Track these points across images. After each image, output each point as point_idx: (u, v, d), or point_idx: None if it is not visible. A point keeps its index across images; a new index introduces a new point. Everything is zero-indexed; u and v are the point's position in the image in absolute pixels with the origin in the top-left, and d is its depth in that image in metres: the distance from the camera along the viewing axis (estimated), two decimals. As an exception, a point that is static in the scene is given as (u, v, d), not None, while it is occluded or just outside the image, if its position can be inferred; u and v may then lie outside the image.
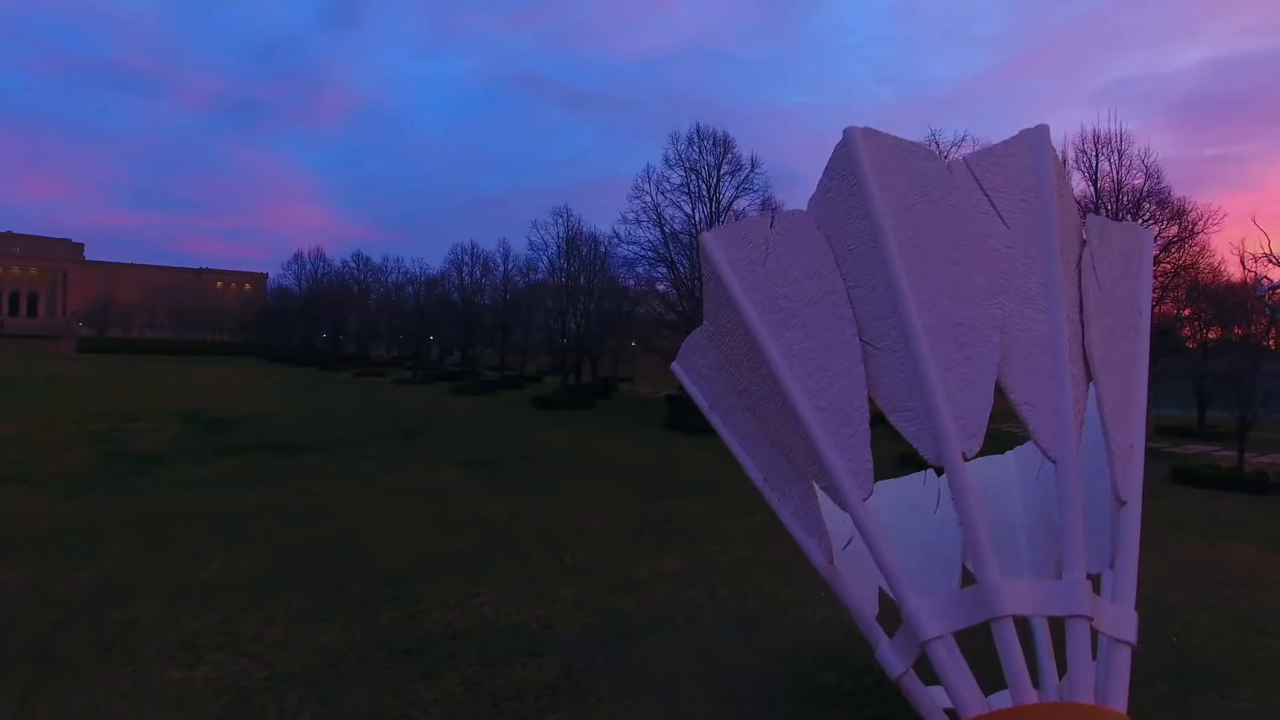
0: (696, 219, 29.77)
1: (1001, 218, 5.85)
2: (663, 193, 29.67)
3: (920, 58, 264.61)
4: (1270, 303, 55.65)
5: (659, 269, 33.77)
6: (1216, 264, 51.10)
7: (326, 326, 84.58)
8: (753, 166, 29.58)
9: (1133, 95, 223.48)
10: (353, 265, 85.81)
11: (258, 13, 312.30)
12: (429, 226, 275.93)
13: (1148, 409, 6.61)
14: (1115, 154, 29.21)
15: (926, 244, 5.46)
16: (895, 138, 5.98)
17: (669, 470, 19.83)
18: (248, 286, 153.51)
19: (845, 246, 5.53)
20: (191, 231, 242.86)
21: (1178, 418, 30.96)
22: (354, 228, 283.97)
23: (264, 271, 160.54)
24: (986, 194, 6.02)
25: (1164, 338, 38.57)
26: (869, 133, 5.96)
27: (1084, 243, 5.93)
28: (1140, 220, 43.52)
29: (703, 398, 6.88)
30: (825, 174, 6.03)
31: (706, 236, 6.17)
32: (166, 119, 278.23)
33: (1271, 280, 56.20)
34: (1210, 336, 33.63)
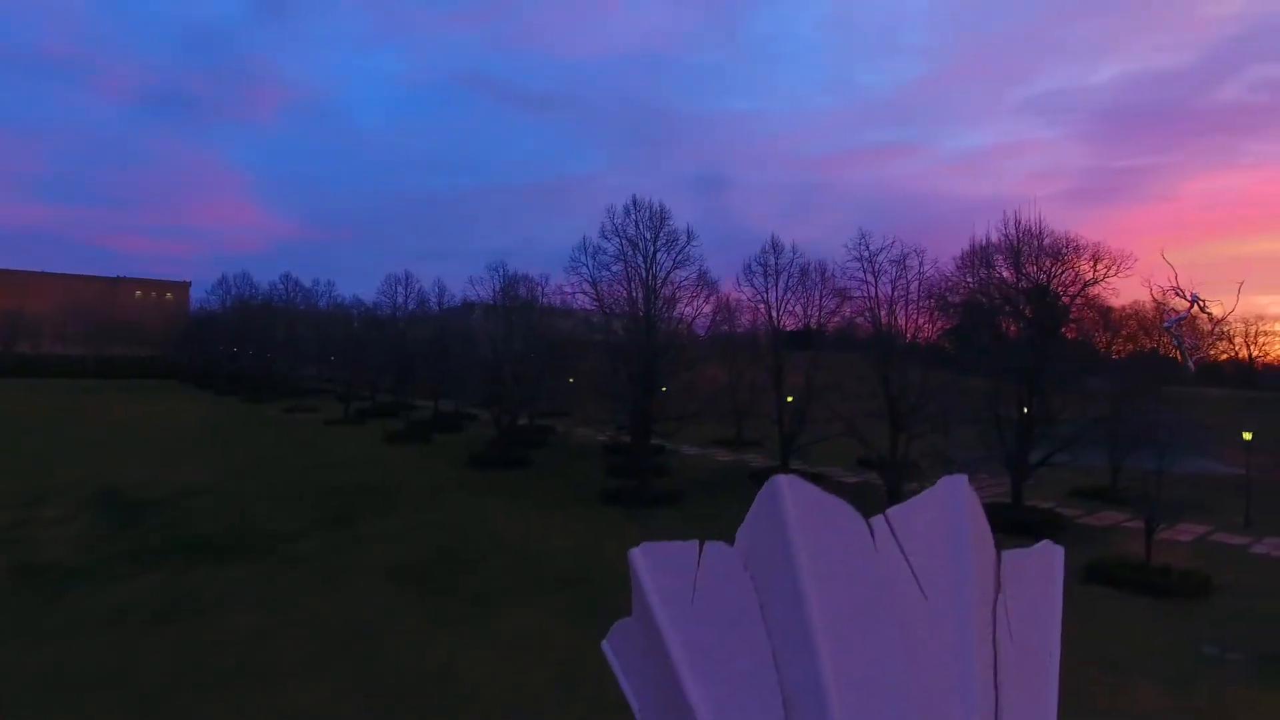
0: (633, 292, 29.93)
1: (919, 581, 6.12)
2: (600, 265, 29.77)
3: (857, 66, 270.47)
4: (1177, 334, 58.74)
5: (595, 335, 33.58)
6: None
7: (253, 351, 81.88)
8: (689, 239, 29.89)
9: (1057, 106, 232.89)
10: (281, 288, 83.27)
11: (188, 0, 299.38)
12: (370, 226, 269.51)
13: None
14: (1035, 241, 30.31)
15: (847, 609, 5.64)
16: (820, 491, 6.11)
17: (612, 577, 19.79)
18: (169, 296, 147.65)
19: (770, 598, 5.66)
20: (114, 229, 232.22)
21: (1092, 471, 32.17)
22: (289, 226, 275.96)
23: (187, 280, 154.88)
24: (906, 556, 6.29)
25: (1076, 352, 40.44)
26: (794, 483, 6.06)
27: (999, 587, 6.23)
28: (1062, 262, 45.51)
29: (633, 698, 6.93)
30: (752, 514, 6.13)
31: (635, 554, 6.20)
32: (88, 110, 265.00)
33: (1179, 312, 59.33)
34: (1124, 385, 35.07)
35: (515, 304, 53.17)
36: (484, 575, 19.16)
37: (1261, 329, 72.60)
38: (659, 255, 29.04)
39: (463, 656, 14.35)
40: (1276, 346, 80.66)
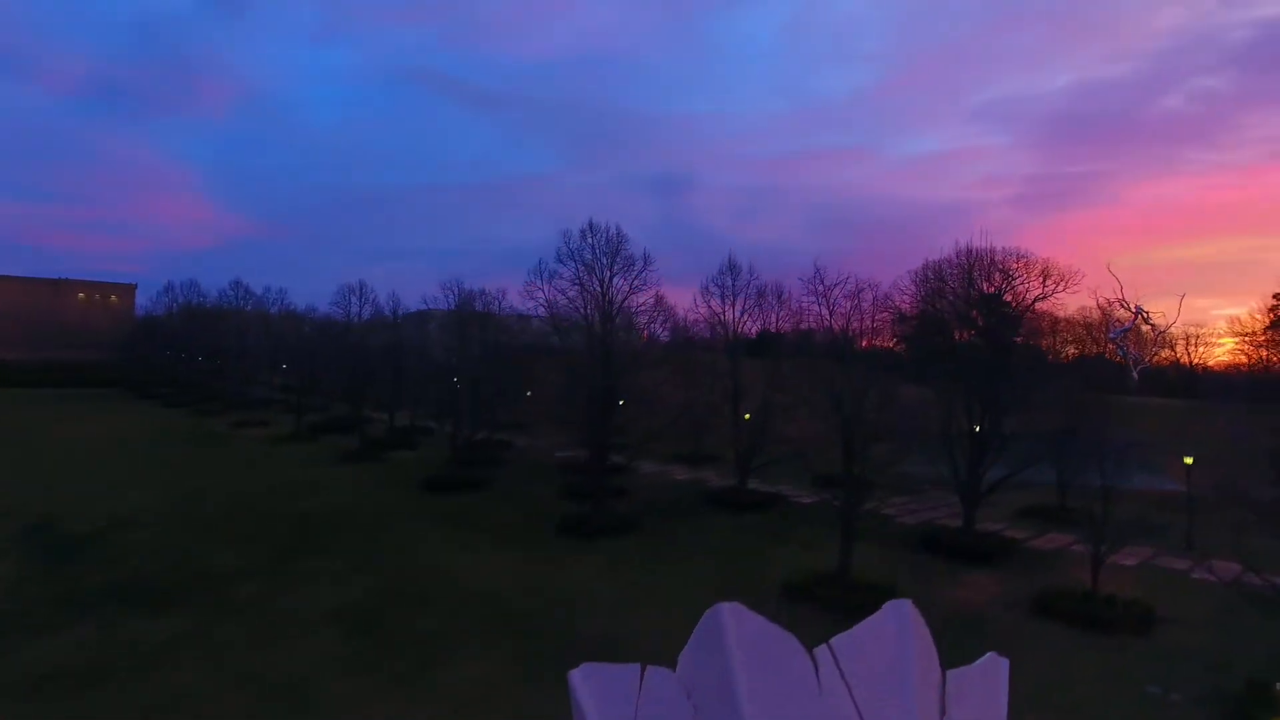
0: (589, 315, 29.65)
1: (860, 713, 5.97)
2: (556, 290, 29.45)
3: (811, 71, 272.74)
4: (1122, 344, 60.46)
5: (552, 350, 33.33)
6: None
7: (202, 359, 79.70)
8: (646, 263, 29.72)
9: (1007, 114, 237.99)
10: (231, 294, 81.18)
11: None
12: (322, 224, 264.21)
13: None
14: (987, 257, 30.80)
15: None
16: (763, 621, 5.99)
17: (565, 622, 19.52)
18: (114, 299, 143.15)
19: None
20: (55, 226, 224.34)
21: (1040, 488, 32.61)
22: (239, 223, 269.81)
23: (132, 282, 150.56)
24: (850, 691, 6.13)
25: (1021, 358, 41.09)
26: (736, 611, 5.92)
27: (944, 711, 6.11)
28: (1011, 278, 46.70)
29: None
30: (694, 639, 5.96)
31: (574, 677, 5.99)
32: (26, 102, 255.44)
33: (1124, 323, 61.05)
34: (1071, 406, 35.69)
35: (471, 318, 52.60)
36: (434, 619, 18.72)
37: (1202, 338, 74.84)
38: (615, 280, 28.81)
39: (408, 717, 13.96)
40: (1216, 352, 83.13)
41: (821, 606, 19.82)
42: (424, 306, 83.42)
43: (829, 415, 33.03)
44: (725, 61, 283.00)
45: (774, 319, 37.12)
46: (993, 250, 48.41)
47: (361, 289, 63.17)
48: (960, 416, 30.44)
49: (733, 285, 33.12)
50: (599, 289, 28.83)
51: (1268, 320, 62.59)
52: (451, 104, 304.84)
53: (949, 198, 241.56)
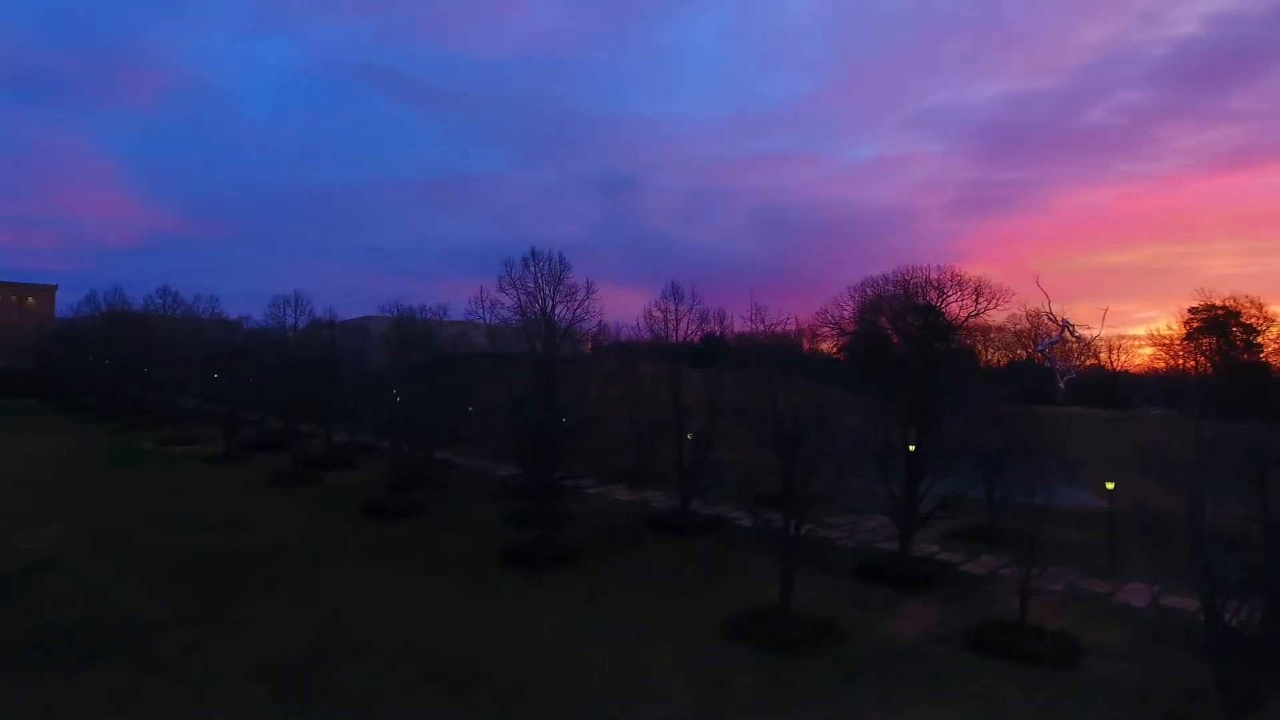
0: (531, 344, 29.40)
1: None
2: (497, 316, 29.10)
3: (753, 77, 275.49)
4: (1049, 356, 62.79)
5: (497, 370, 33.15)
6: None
7: (128, 368, 76.36)
8: (589, 291, 29.62)
9: (941, 122, 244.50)
10: (159, 301, 77.91)
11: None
12: (257, 221, 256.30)
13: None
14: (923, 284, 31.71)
15: None
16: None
17: (508, 673, 19.27)
18: (31, 301, 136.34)
19: None
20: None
21: (972, 505, 33.35)
22: (169, 219, 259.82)
23: (52, 284, 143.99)
24: None
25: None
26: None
27: None
28: (944, 295, 47.99)
29: None
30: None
31: None
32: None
33: (1051, 336, 63.39)
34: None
35: (412, 334, 51.72)
36: (370, 671, 18.27)
37: (1124, 346, 78.13)
38: (558, 309, 28.62)
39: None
40: (1136, 360, 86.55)
41: (761, 645, 20.02)
42: (365, 314, 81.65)
43: (769, 434, 33.47)
44: (669, 65, 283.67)
45: (717, 328, 37.49)
46: (928, 268, 50.17)
47: (297, 301, 61.26)
48: (896, 431, 31.08)
49: (675, 310, 33.21)
50: (540, 313, 28.58)
51: (1184, 332, 65.88)
52: (392, 101, 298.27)
53: (888, 202, 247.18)
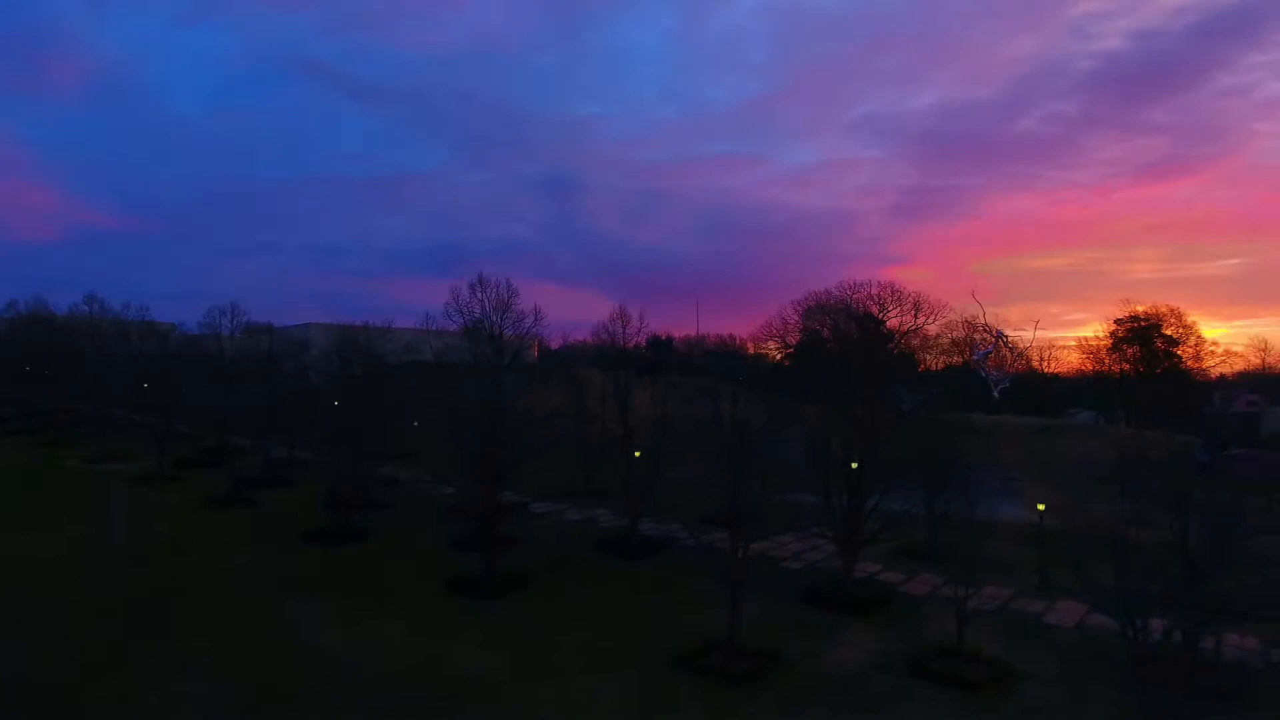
0: (475, 355, 29.12)
1: None
2: (444, 341, 28.71)
3: (698, 79, 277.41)
4: (983, 366, 64.85)
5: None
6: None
7: (51, 378, 72.88)
8: (536, 317, 29.49)
9: (881, 128, 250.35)
10: (85, 309, 74.61)
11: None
12: (190, 216, 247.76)
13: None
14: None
15: None
16: None
17: (454, 716, 19.05)
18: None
19: None
20: None
21: (910, 519, 33.93)
22: (94, 213, 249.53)
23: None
24: None
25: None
26: None
27: None
28: (885, 310, 49.23)
29: None
30: None
31: None
32: None
33: (986, 347, 65.49)
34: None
35: (354, 349, 50.69)
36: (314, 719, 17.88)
37: (1054, 353, 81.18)
38: (505, 333, 28.40)
39: None
40: (1065, 362, 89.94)
41: (710, 677, 20.22)
42: (306, 320, 79.64)
43: (716, 451, 33.75)
44: (615, 66, 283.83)
45: (664, 332, 37.80)
46: (869, 284, 51.43)
47: (234, 310, 59.45)
48: (840, 444, 31.63)
49: (624, 332, 33.31)
50: (488, 338, 28.33)
51: (1109, 343, 69.09)
52: (333, 95, 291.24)
53: (831, 206, 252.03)
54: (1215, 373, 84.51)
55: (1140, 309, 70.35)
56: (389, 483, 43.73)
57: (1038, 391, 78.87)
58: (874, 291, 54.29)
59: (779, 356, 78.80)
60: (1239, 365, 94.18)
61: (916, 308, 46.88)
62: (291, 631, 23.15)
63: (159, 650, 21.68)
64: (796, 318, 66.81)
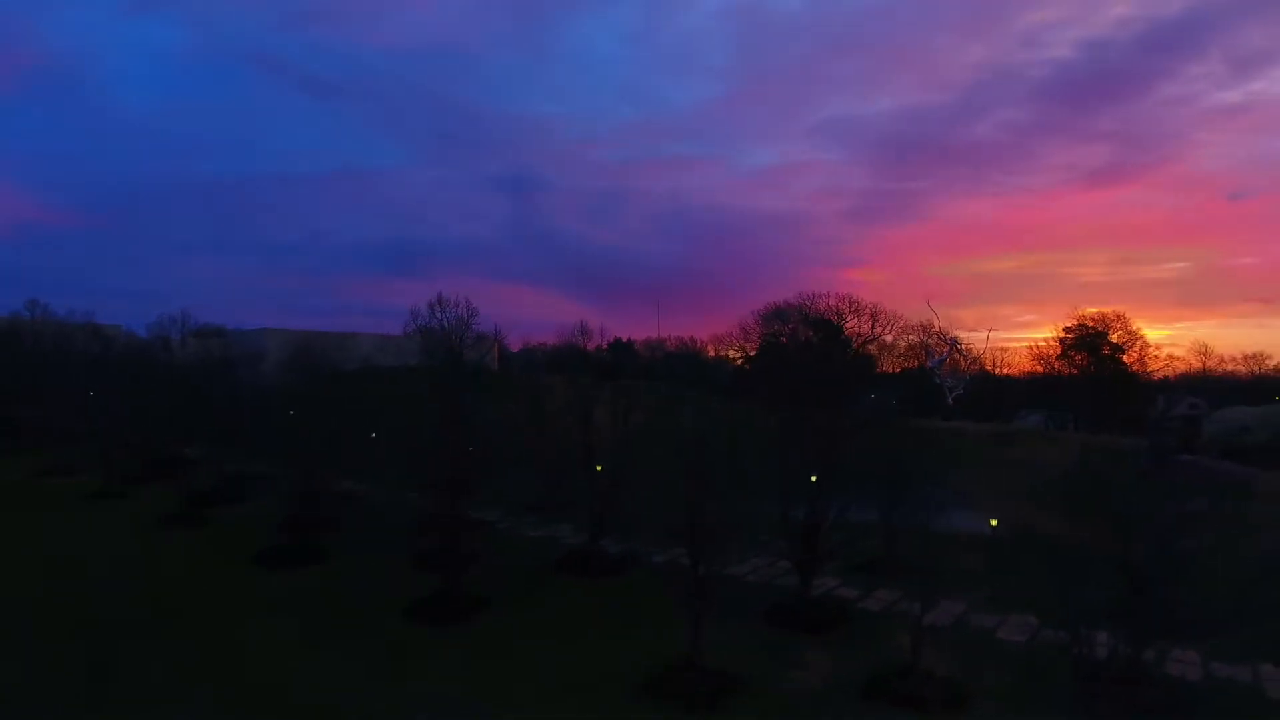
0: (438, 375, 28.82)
1: None
2: (404, 350, 28.36)
3: (657, 80, 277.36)
4: (939, 373, 66.20)
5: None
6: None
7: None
8: (496, 336, 29.26)
9: (839, 132, 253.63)
10: (27, 315, 72.17)
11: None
12: (138, 212, 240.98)
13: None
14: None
15: None
16: None
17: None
18: None
19: None
20: None
21: (867, 529, 34.31)
22: (36, 208, 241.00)
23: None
24: None
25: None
26: None
27: None
28: (844, 318, 49.80)
29: None
30: None
31: None
32: None
33: (940, 354, 66.87)
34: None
35: (313, 357, 49.85)
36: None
37: (1006, 359, 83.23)
38: (465, 352, 28.14)
39: None
40: (1017, 365, 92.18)
41: (672, 703, 20.37)
42: (261, 325, 77.97)
43: (677, 462, 33.90)
44: (575, 66, 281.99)
45: (625, 334, 37.90)
46: (828, 295, 52.19)
47: (185, 318, 58.00)
48: (797, 453, 31.96)
49: (584, 343, 33.17)
50: (448, 360, 28.09)
51: (1059, 349, 71.24)
52: (288, 90, 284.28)
53: (789, 208, 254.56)
54: (1159, 375, 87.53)
55: (1090, 311, 72.78)
56: (347, 497, 43.03)
57: (991, 396, 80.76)
58: (832, 302, 55.20)
59: (740, 360, 79.65)
60: (1181, 367, 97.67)
61: (874, 318, 47.66)
62: (247, 661, 22.70)
63: (108, 679, 21.12)
64: (756, 325, 67.61)
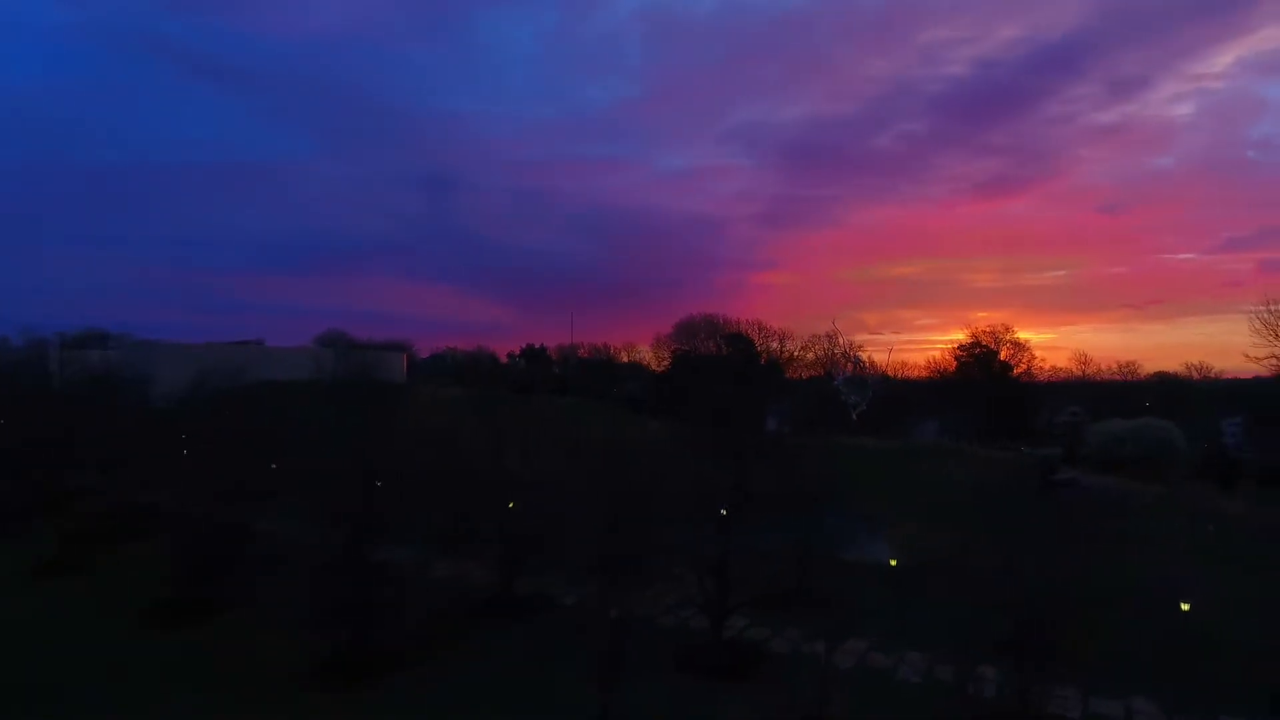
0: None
1: None
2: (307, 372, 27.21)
3: (576, 79, 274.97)
4: (844, 391, 68.53)
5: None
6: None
7: None
8: (404, 347, 28.34)
9: (753, 137, 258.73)
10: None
11: None
12: (13, 203, 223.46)
13: None
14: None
15: None
16: None
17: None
18: None
19: None
20: None
21: (775, 558, 35.03)
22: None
23: None
24: None
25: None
26: None
27: None
28: (753, 343, 50.95)
29: None
30: None
31: None
32: None
33: (845, 372, 69.29)
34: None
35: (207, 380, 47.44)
36: None
37: (905, 369, 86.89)
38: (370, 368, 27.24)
39: None
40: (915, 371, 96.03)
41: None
42: (152, 337, 73.29)
43: (592, 492, 33.87)
44: (490, 63, 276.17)
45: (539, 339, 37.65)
46: (738, 320, 53.41)
47: (63, 336, 54.10)
48: (707, 480, 32.35)
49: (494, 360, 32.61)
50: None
51: (954, 365, 75.22)
52: (183, 75, 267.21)
53: (705, 211, 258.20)
54: (1045, 379, 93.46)
55: (981, 315, 77.28)
56: (245, 535, 40.92)
57: (895, 403, 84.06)
58: (742, 329, 56.68)
59: (656, 367, 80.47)
60: (1062, 374, 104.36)
61: (781, 342, 49.16)
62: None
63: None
64: (668, 340, 68.59)
